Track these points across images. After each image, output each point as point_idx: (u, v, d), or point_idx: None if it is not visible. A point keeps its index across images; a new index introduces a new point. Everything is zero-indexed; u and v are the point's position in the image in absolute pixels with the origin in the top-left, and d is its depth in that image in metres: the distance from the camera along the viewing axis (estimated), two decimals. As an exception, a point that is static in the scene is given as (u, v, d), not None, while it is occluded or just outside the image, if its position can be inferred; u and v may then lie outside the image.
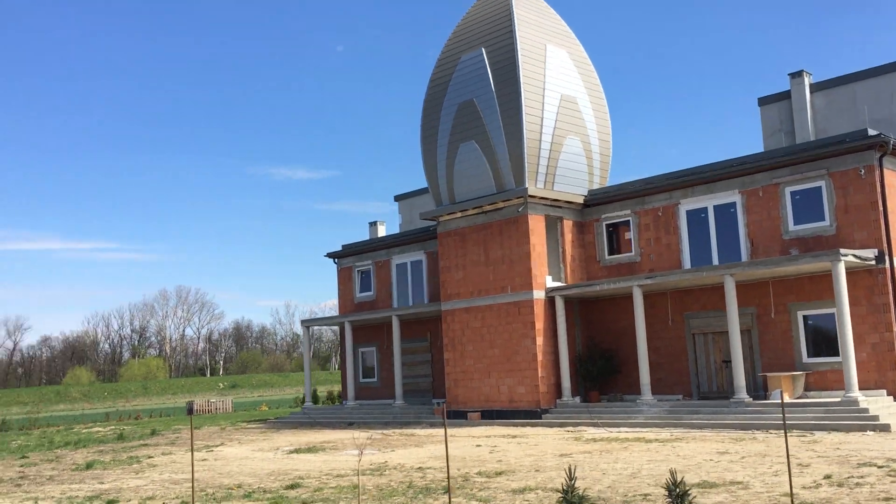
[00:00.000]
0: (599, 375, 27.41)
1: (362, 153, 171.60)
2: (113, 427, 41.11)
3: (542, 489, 13.06)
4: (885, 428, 18.76)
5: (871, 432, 18.77)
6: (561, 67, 29.09)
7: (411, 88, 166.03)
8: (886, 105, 25.98)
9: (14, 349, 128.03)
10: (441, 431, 26.14)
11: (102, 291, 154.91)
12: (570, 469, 8.93)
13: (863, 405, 19.96)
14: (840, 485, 11.85)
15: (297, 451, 22.23)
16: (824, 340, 23.04)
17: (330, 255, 39.39)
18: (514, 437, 22.86)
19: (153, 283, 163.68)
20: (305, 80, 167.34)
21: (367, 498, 13.09)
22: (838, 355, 22.25)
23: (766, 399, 23.05)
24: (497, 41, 28.65)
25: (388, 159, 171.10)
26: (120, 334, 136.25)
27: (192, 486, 12.10)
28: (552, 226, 28.81)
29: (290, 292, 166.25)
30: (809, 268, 22.05)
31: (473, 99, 28.71)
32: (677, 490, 7.66)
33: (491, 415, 27.72)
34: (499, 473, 15.28)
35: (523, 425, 25.91)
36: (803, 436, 18.98)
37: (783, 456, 15.49)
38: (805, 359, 23.38)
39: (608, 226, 28.52)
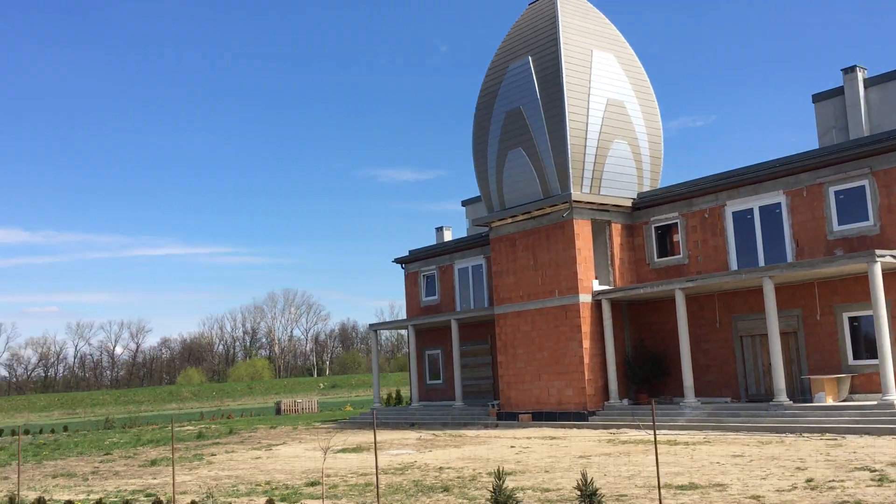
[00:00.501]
0: (648, 378, 27.56)
1: (466, 153, 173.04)
2: (204, 426, 43.66)
3: (536, 489, 13.71)
4: (918, 432, 18.40)
5: (903, 436, 18.45)
6: (607, 71, 29.33)
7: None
8: (942, 98, 25.11)
9: (136, 351, 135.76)
10: (490, 432, 26.90)
11: (218, 294, 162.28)
12: (499, 470, 9.64)
13: (900, 409, 19.58)
14: (814, 488, 12.04)
15: (343, 450, 23.45)
16: (870, 342, 22.58)
17: (397, 261, 40.68)
18: (554, 438, 23.40)
19: (266, 286, 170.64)
20: (410, 79, 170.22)
21: (371, 495, 14.06)
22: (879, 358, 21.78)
23: (810, 402, 22.77)
24: (542, 49, 29.17)
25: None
26: (233, 336, 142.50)
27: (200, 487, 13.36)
28: (600, 229, 29.11)
29: (394, 293, 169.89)
30: (851, 268, 21.71)
31: (520, 106, 29.31)
32: (587, 490, 8.26)
33: (541, 416, 28.28)
34: (508, 474, 15.98)
35: (570, 427, 26.38)
36: (834, 439, 18.82)
37: (792, 459, 15.58)
38: (850, 361, 22.97)
39: (657, 228, 28.60)
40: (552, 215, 28.37)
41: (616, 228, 28.81)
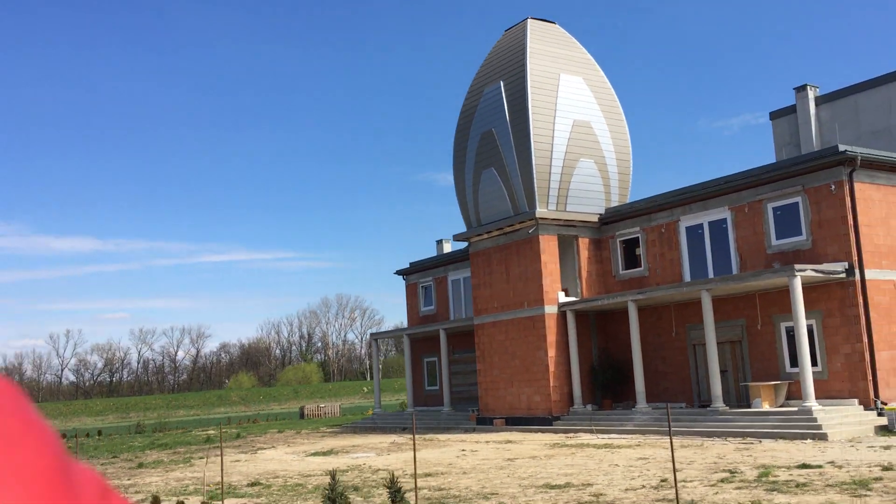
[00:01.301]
0: (611, 384, 29.07)
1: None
2: (225, 430, 46.29)
3: (434, 488, 15.55)
4: (823, 437, 19.71)
5: (810, 440, 19.77)
6: (575, 94, 30.93)
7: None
8: (885, 116, 26.18)
9: (196, 356, 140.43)
10: (463, 436, 28.71)
11: (278, 299, 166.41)
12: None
13: (815, 415, 20.87)
14: (656, 487, 13.68)
15: (315, 453, 25.53)
16: (811, 350, 23.78)
17: (399, 273, 42.71)
18: (509, 442, 25.12)
19: (325, 290, 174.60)
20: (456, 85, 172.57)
21: (292, 493, 16.07)
22: (816, 365, 23.05)
23: (748, 408, 24.08)
24: (512, 73, 30.92)
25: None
26: (289, 340, 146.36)
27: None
28: (569, 243, 30.71)
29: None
30: (779, 282, 23.00)
31: (492, 129, 31.10)
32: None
33: (513, 421, 29.99)
34: (429, 475, 17.84)
35: (535, 431, 28.04)
36: (750, 444, 20.21)
37: (685, 462, 17.12)
38: (788, 369, 24.23)
39: (622, 242, 30.10)
40: (521, 231, 30.09)
41: (583, 242, 30.39)
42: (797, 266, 21.63)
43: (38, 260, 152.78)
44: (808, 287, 23.38)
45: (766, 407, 23.50)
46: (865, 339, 22.33)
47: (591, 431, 25.98)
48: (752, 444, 20.11)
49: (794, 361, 24.11)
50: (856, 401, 22.30)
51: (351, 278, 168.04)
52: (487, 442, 25.64)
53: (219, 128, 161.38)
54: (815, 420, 20.63)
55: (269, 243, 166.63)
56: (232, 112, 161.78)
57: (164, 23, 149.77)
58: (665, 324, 28.12)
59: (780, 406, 23.79)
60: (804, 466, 15.20)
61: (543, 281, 29.14)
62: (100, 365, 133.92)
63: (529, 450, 22.21)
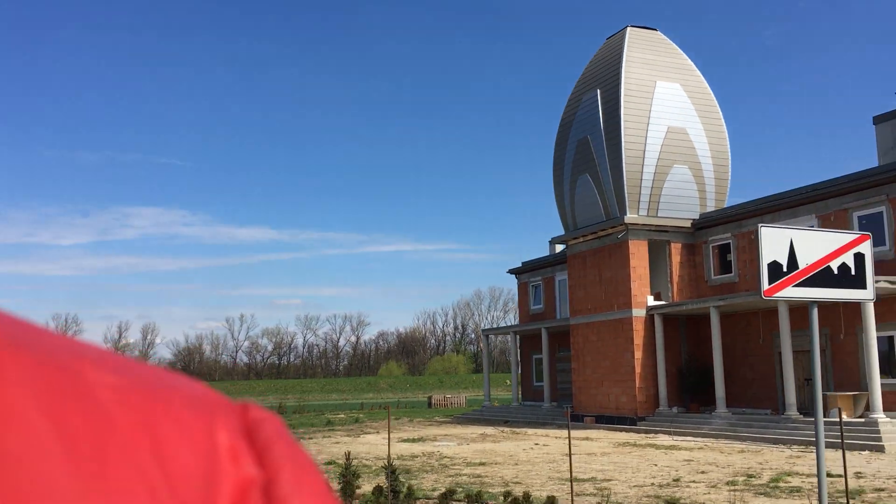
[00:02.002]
0: (698, 388, 29.49)
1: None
2: (352, 414, 49.73)
3: (472, 475, 17.28)
4: (881, 449, 19.74)
5: (866, 451, 19.83)
6: (670, 100, 31.40)
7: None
8: None
9: (357, 343, 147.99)
10: (551, 431, 30.09)
11: (436, 289, 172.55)
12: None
13: (880, 427, 20.81)
14: (661, 486, 14.75)
15: (406, 440, 27.76)
16: (885, 362, 23.50)
17: (511, 272, 44.34)
18: (587, 438, 26.32)
19: (483, 281, 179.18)
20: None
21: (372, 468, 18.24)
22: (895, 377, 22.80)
23: (827, 418, 24.08)
24: (608, 82, 31.80)
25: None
26: (443, 331, 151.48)
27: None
28: (661, 248, 31.27)
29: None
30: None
31: (588, 136, 32.14)
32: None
33: (603, 419, 31.00)
34: (483, 463, 19.55)
35: (620, 430, 28.98)
36: (808, 452, 20.50)
37: (723, 465, 17.91)
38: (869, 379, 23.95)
39: (714, 248, 30.36)
40: (612, 236, 30.99)
41: (675, 248, 30.88)
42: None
43: (221, 248, 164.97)
44: (892, 298, 23.09)
45: (845, 417, 23.40)
46: (945, 353, 21.86)
47: (669, 433, 26.69)
48: (809, 452, 20.39)
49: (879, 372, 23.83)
50: (934, 415, 21.90)
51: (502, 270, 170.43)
52: (564, 438, 26.91)
53: (407, 118, 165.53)
54: (877, 432, 20.60)
55: (434, 235, 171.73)
56: (412, 104, 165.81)
57: (384, 19, 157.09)
58: (753, 330, 28.25)
59: (859, 416, 23.61)
60: (828, 475, 15.69)
61: (632, 284, 29.94)
62: (269, 348, 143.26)
63: (596, 447, 23.39)
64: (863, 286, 8.03)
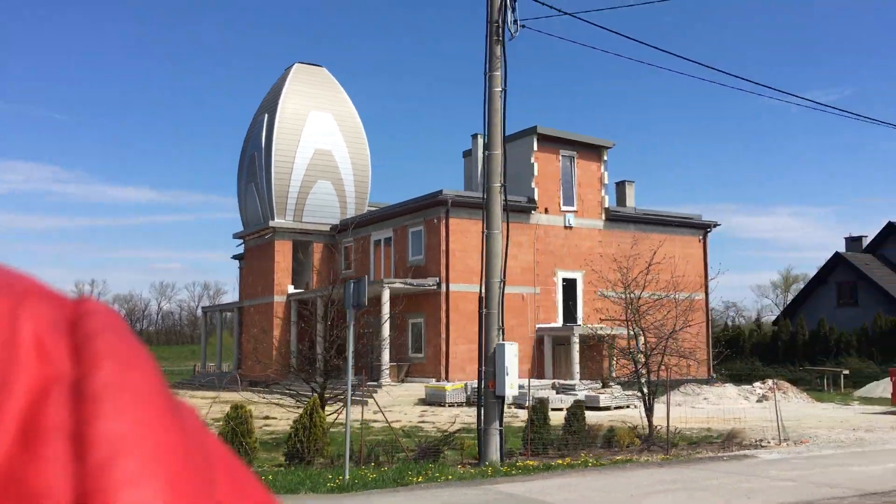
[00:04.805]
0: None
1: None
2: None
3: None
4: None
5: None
6: (321, 127, 38.71)
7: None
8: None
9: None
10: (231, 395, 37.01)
11: None
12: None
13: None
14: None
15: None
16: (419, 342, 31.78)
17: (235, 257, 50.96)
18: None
19: None
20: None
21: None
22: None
23: None
24: (272, 109, 38.80)
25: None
26: None
27: None
28: (306, 247, 38.75)
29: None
30: (393, 289, 30.92)
31: (255, 152, 39.10)
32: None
33: (256, 384, 38.26)
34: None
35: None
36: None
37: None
38: None
39: (346, 247, 38.09)
40: (266, 236, 38.20)
41: (318, 247, 38.41)
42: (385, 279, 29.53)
43: (97, 207, 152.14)
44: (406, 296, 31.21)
45: (390, 381, 31.51)
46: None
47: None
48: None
49: None
50: None
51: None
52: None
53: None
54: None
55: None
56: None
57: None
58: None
59: (401, 381, 31.76)
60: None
61: (275, 276, 37.27)
62: (122, 314, 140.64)
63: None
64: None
